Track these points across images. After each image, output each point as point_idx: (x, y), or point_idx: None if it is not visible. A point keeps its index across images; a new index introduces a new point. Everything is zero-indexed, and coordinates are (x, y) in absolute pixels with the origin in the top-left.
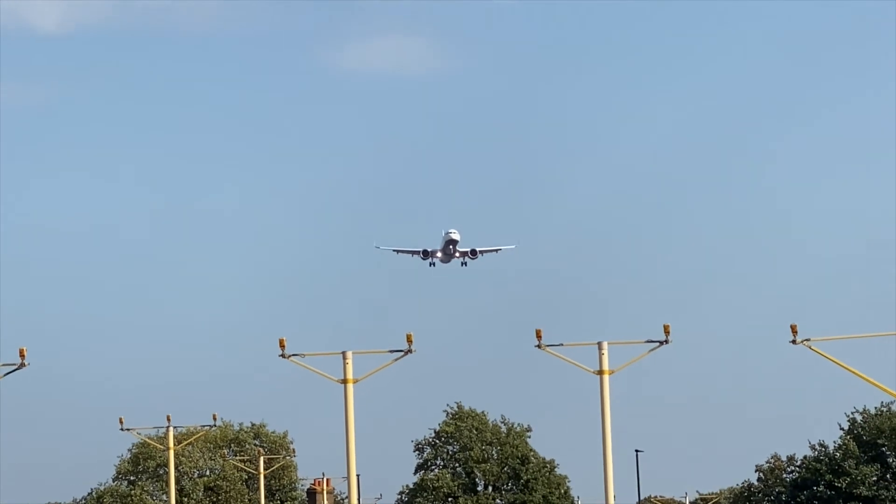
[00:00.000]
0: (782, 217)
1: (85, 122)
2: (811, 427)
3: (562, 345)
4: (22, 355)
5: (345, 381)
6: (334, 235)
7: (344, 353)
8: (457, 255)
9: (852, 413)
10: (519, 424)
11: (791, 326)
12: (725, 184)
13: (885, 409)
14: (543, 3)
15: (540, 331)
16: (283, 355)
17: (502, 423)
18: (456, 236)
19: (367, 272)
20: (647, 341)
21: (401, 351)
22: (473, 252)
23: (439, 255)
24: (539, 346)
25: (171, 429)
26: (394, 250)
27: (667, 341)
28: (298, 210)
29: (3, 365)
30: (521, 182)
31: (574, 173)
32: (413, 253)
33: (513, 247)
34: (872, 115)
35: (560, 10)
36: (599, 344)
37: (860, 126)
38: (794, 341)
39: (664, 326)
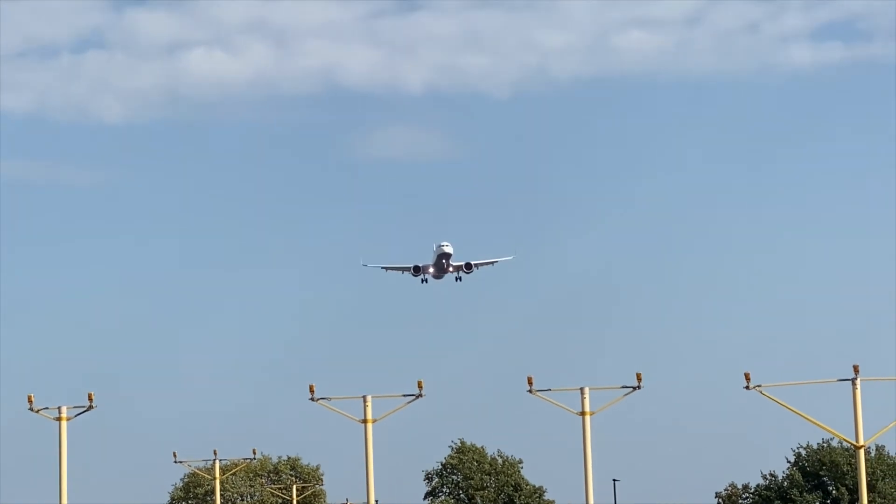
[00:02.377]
0: (738, 278)
1: (140, 201)
2: (763, 459)
3: (549, 389)
4: (90, 399)
5: (365, 421)
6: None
7: (364, 398)
8: (450, 269)
9: (798, 448)
10: (512, 457)
11: (745, 374)
12: (688, 249)
13: (825, 445)
14: (534, 99)
15: (531, 378)
16: (312, 399)
17: (498, 456)
18: (449, 249)
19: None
20: (623, 387)
21: (413, 395)
22: (468, 266)
23: (431, 270)
24: (530, 391)
25: (217, 461)
26: (383, 268)
27: (639, 387)
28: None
29: (74, 407)
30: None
31: (565, 242)
32: (403, 269)
33: (510, 258)
34: (817, 175)
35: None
36: (582, 389)
37: (804, 189)
38: (747, 387)
39: (637, 374)
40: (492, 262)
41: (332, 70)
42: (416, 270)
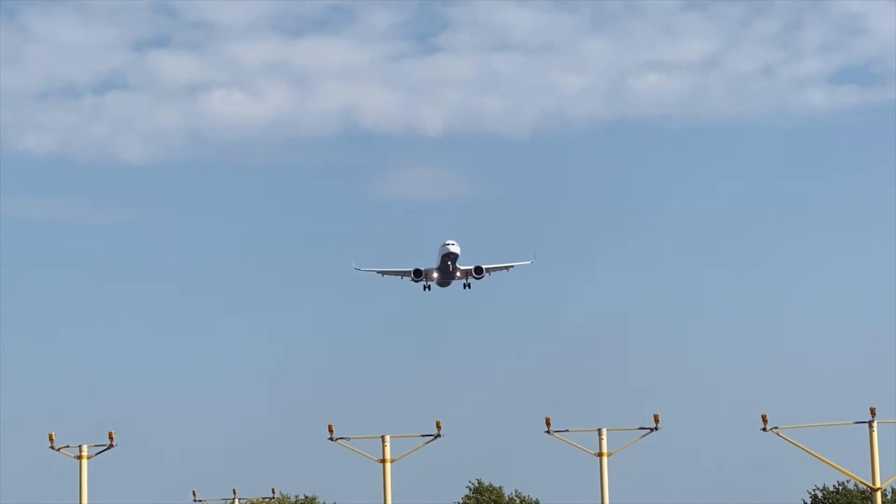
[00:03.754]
0: (755, 318)
1: (161, 240)
2: (780, 501)
3: (567, 430)
4: (111, 437)
5: (383, 461)
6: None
7: (383, 437)
8: (457, 274)
9: (814, 489)
10: (530, 497)
11: (762, 416)
12: (707, 291)
13: (842, 487)
14: (552, 141)
15: (549, 419)
16: (331, 438)
17: (516, 496)
18: (455, 248)
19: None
20: (640, 428)
21: (431, 435)
22: (478, 270)
23: (435, 275)
24: (548, 432)
25: (236, 500)
26: (378, 272)
27: (657, 428)
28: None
29: (95, 446)
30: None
31: (582, 280)
32: (402, 274)
33: (528, 263)
34: (835, 215)
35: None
36: (599, 430)
37: (821, 229)
38: (764, 428)
39: (654, 416)
40: (506, 267)
41: (351, 111)
42: (417, 275)
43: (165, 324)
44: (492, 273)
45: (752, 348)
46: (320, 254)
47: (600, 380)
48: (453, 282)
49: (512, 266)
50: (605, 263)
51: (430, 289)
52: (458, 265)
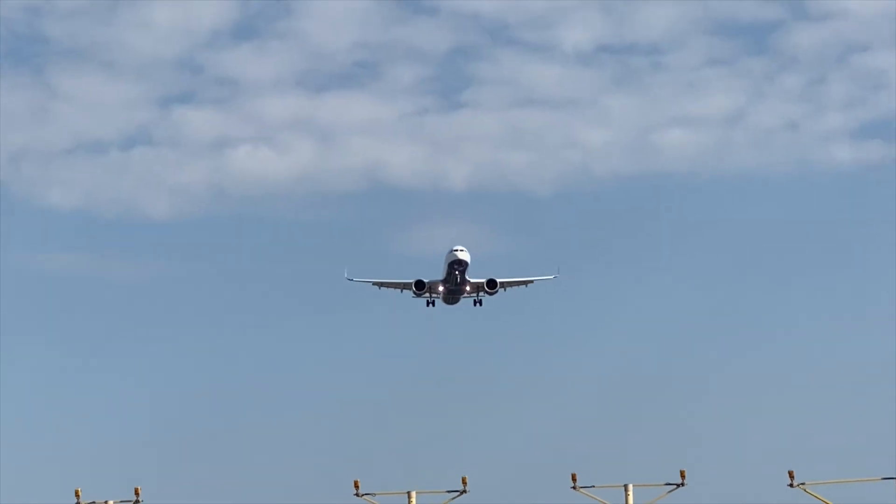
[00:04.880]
0: (780, 373)
1: (186, 295)
2: None
3: (593, 486)
4: (137, 494)
5: None
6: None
7: (409, 493)
8: (467, 288)
9: None
10: None
11: (789, 472)
12: (733, 344)
13: None
14: (576, 196)
15: (575, 474)
16: (357, 494)
17: None
18: (464, 255)
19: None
20: (667, 484)
21: (457, 491)
22: (492, 284)
23: (441, 288)
24: (574, 487)
25: None
26: (374, 283)
27: (683, 484)
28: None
29: (121, 501)
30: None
31: (606, 334)
32: (402, 287)
33: (551, 277)
34: (860, 271)
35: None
36: (626, 486)
37: (847, 285)
38: (791, 484)
39: (680, 471)
40: (525, 282)
41: (376, 166)
42: (420, 287)
43: (188, 379)
44: (507, 288)
45: (780, 403)
46: (344, 309)
47: (626, 433)
48: (462, 298)
49: (531, 281)
50: (631, 315)
51: (434, 304)
52: (467, 277)
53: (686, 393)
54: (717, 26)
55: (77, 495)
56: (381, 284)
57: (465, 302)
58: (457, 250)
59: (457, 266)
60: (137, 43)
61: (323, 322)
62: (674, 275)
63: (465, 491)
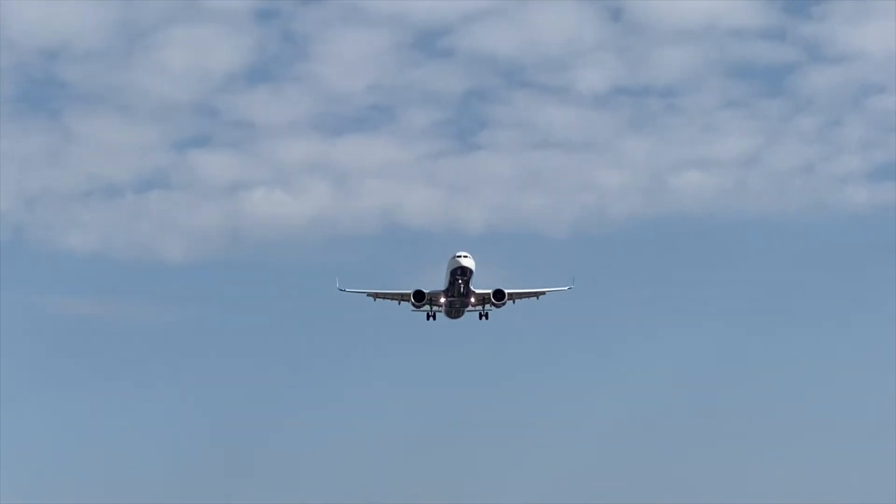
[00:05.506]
0: (799, 414)
1: (202, 338)
2: None
3: None
4: None
5: None
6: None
7: None
8: (471, 299)
9: None
10: None
11: None
12: (750, 387)
13: None
14: (593, 238)
15: None
16: None
17: None
18: (468, 262)
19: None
20: None
21: None
22: (500, 294)
23: (442, 299)
24: None
25: None
26: (369, 294)
27: None
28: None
29: None
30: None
31: (621, 381)
32: (399, 298)
33: (566, 289)
34: (879, 316)
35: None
36: None
37: (869, 331)
38: None
39: None
40: (537, 294)
41: (392, 209)
42: (419, 298)
43: (208, 423)
44: (516, 300)
45: (793, 442)
46: (362, 351)
47: (640, 474)
48: (466, 311)
49: (543, 292)
50: (646, 357)
51: (434, 318)
52: (472, 287)
53: (699, 431)
54: (733, 68)
55: None
56: (376, 295)
57: (470, 316)
58: (460, 256)
59: (460, 274)
60: (153, 86)
61: (339, 362)
62: (690, 317)
63: None
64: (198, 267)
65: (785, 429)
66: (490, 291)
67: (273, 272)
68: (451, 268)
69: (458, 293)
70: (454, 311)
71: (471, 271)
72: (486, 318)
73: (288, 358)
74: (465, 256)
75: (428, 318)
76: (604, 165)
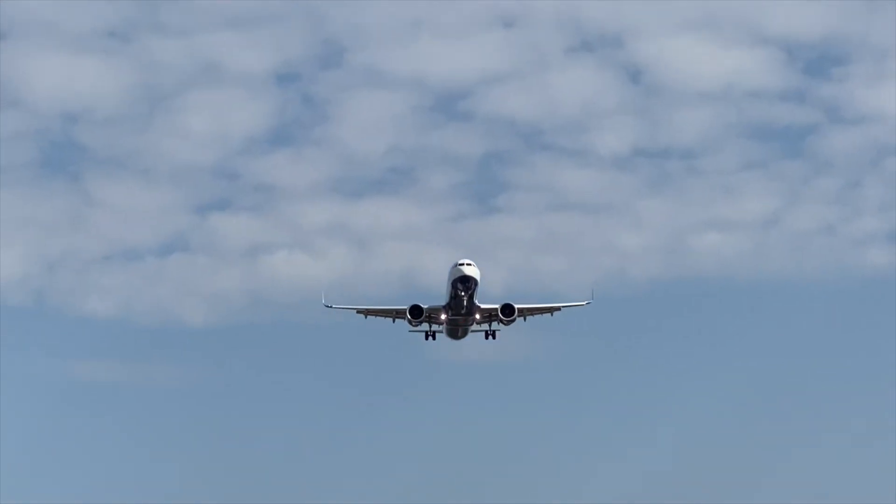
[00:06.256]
0: (818, 479)
1: (224, 402)
2: None
3: None
4: None
5: None
6: None
7: None
8: (476, 316)
9: None
10: None
11: None
12: (765, 452)
13: None
14: (612, 301)
15: None
16: None
17: None
18: (471, 271)
19: None
20: None
21: None
22: (509, 310)
23: (443, 316)
24: None
25: None
26: (359, 311)
27: None
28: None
29: None
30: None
31: (642, 442)
32: (394, 315)
33: (584, 304)
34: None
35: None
36: None
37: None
38: None
39: None
40: (551, 310)
41: (412, 272)
42: (416, 313)
43: (227, 487)
44: (527, 317)
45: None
46: (382, 414)
47: None
48: (471, 329)
49: (558, 308)
50: (665, 419)
51: (434, 337)
52: (477, 301)
53: (713, 495)
54: (753, 130)
55: None
56: (367, 312)
57: (474, 336)
58: (462, 264)
59: (462, 285)
60: (174, 150)
61: (362, 422)
62: (710, 378)
63: None
64: (219, 330)
65: (802, 496)
66: (498, 307)
67: (294, 334)
68: (452, 278)
69: (460, 308)
70: (457, 329)
71: (475, 282)
72: (494, 337)
73: (311, 419)
74: (469, 264)
75: (427, 338)
76: (623, 227)
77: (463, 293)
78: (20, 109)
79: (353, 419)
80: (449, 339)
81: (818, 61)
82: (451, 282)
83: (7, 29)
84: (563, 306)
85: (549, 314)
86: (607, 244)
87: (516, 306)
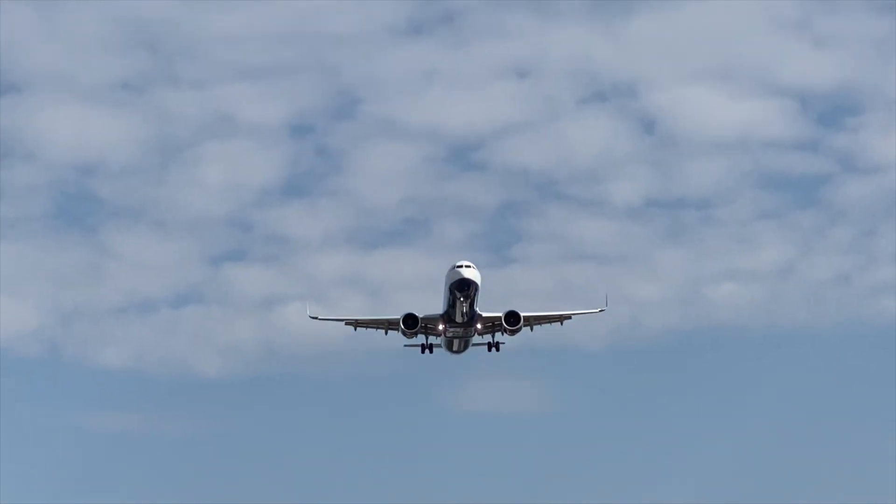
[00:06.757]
0: None
1: (238, 453)
2: None
3: None
4: None
5: None
6: None
7: None
8: (477, 326)
9: None
10: None
11: None
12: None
13: None
14: (627, 351)
15: None
16: None
17: None
18: (471, 274)
19: None
20: None
21: None
22: (513, 318)
23: (441, 326)
24: None
25: None
26: (348, 322)
27: None
28: None
29: None
30: None
31: (661, 489)
32: (386, 326)
33: (598, 311)
34: None
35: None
36: None
37: None
38: None
39: None
40: (560, 318)
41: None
42: (410, 323)
43: None
44: (534, 327)
45: None
46: (395, 465)
47: None
48: (472, 341)
49: (569, 316)
50: (680, 466)
51: (431, 350)
52: (478, 309)
53: None
54: (767, 180)
55: None
56: (356, 323)
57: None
58: (460, 266)
59: (460, 290)
60: (188, 201)
61: (373, 479)
62: (725, 429)
63: None
64: (233, 382)
65: None
66: (502, 315)
67: (308, 386)
68: (450, 282)
69: (460, 317)
70: (456, 341)
71: (476, 286)
72: (497, 349)
73: (325, 471)
74: (468, 266)
75: (423, 351)
76: (638, 277)
77: (462, 299)
78: (35, 161)
79: (366, 471)
80: (448, 354)
81: (832, 111)
82: (448, 286)
83: (22, 81)
84: (576, 314)
85: (559, 323)
86: (622, 294)
87: (522, 314)
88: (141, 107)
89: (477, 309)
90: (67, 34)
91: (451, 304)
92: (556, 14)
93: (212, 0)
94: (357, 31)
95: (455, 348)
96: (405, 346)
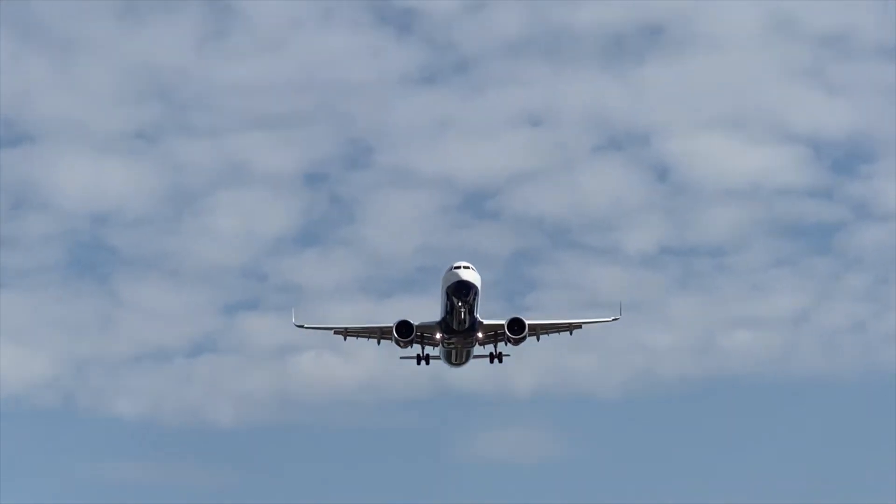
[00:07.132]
0: None
1: (253, 501)
2: None
3: None
4: None
5: None
6: None
7: None
8: (478, 334)
9: None
10: None
11: None
12: None
13: None
14: (641, 400)
15: None
16: None
17: None
18: (470, 276)
19: None
20: None
21: None
22: (517, 325)
23: (438, 335)
24: None
25: None
26: (337, 331)
27: None
28: None
29: None
30: None
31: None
32: (379, 335)
33: (611, 320)
34: None
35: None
36: None
37: None
38: None
39: None
40: (570, 327)
41: (441, 374)
42: (404, 332)
43: None
44: (540, 336)
45: None
46: None
47: None
48: (473, 351)
49: (579, 325)
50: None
51: (428, 361)
52: (479, 316)
53: None
54: (781, 227)
55: None
56: (346, 332)
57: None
58: (458, 267)
59: (458, 294)
60: (202, 251)
61: None
62: (739, 478)
63: None
64: (248, 431)
65: None
66: (505, 322)
67: (324, 436)
68: (447, 285)
69: (459, 324)
70: (455, 352)
71: (475, 290)
72: (500, 360)
73: None
74: (466, 267)
75: (419, 362)
76: (652, 326)
77: (461, 304)
78: (49, 211)
79: None
80: (447, 366)
81: (845, 158)
82: (444, 291)
83: (36, 131)
84: (587, 322)
85: (569, 332)
86: (636, 343)
87: (528, 322)
88: (154, 156)
89: (478, 316)
90: (81, 84)
91: (449, 311)
92: (569, 62)
93: (224, 49)
94: (371, 79)
95: (454, 360)
96: (401, 358)
